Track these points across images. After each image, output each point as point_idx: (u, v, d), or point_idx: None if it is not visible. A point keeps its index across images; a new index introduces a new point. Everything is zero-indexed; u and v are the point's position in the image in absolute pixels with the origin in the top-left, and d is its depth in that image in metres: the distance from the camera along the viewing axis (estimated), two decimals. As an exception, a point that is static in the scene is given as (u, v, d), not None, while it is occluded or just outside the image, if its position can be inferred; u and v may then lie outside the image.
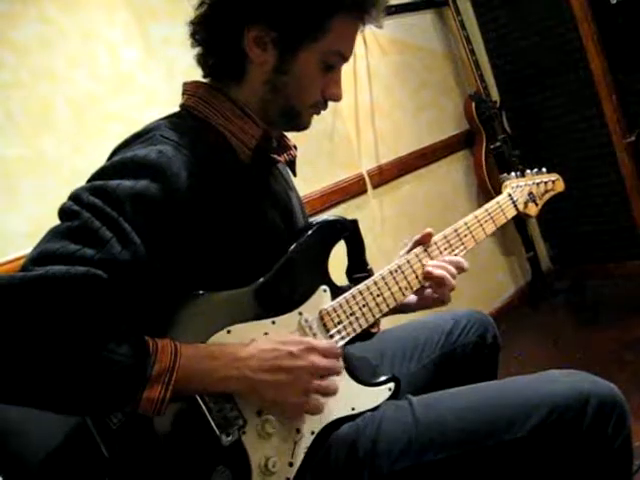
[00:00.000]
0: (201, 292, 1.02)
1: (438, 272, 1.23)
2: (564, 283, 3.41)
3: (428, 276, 1.24)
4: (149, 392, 0.88)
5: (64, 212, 0.95)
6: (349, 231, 1.21)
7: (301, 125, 1.18)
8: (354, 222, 1.21)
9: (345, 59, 1.14)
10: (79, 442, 0.97)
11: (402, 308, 1.29)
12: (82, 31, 1.93)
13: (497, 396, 1.08)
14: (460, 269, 1.26)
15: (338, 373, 1.06)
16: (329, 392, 1.04)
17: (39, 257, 0.88)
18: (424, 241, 1.28)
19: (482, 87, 3.24)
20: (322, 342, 1.07)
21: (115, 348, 0.87)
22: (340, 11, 1.07)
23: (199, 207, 1.01)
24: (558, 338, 2.85)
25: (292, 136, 1.27)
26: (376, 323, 1.27)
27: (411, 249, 1.28)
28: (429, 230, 1.28)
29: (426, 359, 1.36)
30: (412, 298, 1.30)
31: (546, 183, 1.53)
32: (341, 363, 1.08)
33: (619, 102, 3.04)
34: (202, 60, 1.16)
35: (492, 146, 3.22)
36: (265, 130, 1.14)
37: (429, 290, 1.28)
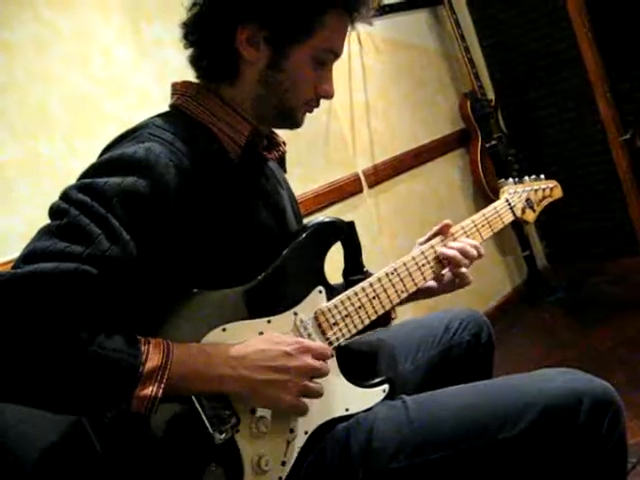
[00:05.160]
0: (195, 290, 1.02)
1: (450, 252, 1.26)
2: (560, 281, 3.42)
3: (442, 256, 1.27)
4: (141, 389, 0.89)
5: (54, 210, 0.96)
6: (345, 233, 1.21)
7: (295, 123, 1.19)
8: (350, 224, 1.21)
9: (336, 56, 1.16)
10: (74, 438, 0.97)
11: (424, 294, 1.31)
12: (76, 32, 1.94)
13: (491, 395, 1.08)
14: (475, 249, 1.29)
15: (326, 374, 1.06)
16: (317, 394, 1.04)
17: (29, 255, 0.88)
18: (442, 232, 1.30)
19: (477, 86, 3.24)
20: (315, 343, 1.08)
21: (105, 344, 0.88)
22: (330, 9, 1.09)
23: (188, 204, 1.01)
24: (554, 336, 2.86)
25: (284, 134, 1.27)
26: (393, 309, 1.27)
27: (429, 239, 1.31)
28: (447, 222, 1.31)
29: (421, 358, 1.36)
30: (433, 283, 1.32)
31: (544, 190, 1.52)
32: (329, 366, 1.08)
33: (614, 100, 3.04)
34: (195, 61, 1.17)
35: (488, 145, 3.22)
36: (254, 127, 1.14)
37: (449, 274, 1.30)
